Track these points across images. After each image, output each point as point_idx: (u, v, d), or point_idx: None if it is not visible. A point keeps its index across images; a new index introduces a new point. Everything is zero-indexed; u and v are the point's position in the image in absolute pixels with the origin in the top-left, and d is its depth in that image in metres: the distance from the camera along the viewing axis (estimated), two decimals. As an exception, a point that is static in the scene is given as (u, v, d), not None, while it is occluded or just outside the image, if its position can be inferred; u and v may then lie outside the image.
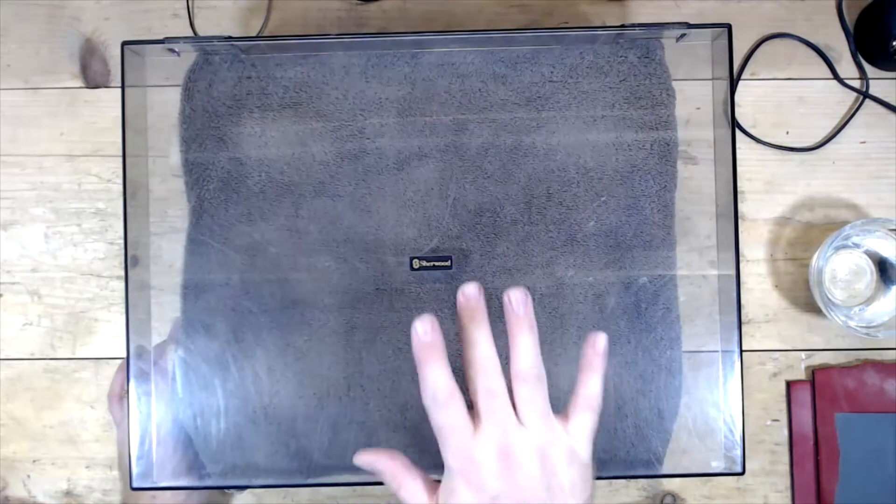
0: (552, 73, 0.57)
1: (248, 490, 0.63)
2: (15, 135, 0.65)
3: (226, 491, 0.63)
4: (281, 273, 0.57)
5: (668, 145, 0.57)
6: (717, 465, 0.56)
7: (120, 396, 0.60)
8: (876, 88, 0.63)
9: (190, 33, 0.64)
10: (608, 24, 0.64)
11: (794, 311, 0.63)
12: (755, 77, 0.64)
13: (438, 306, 0.56)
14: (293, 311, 0.57)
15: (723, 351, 0.56)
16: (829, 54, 0.64)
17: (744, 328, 0.61)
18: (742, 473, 0.55)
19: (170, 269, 0.58)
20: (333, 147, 0.57)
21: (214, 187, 0.57)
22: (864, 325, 0.61)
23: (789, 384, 0.63)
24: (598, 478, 0.57)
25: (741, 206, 0.63)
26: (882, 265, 0.62)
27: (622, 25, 0.55)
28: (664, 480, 0.63)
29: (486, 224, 0.57)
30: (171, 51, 0.57)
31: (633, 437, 0.56)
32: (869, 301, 0.62)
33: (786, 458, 0.63)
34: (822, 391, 0.62)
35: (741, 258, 0.62)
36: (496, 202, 0.57)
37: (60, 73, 0.65)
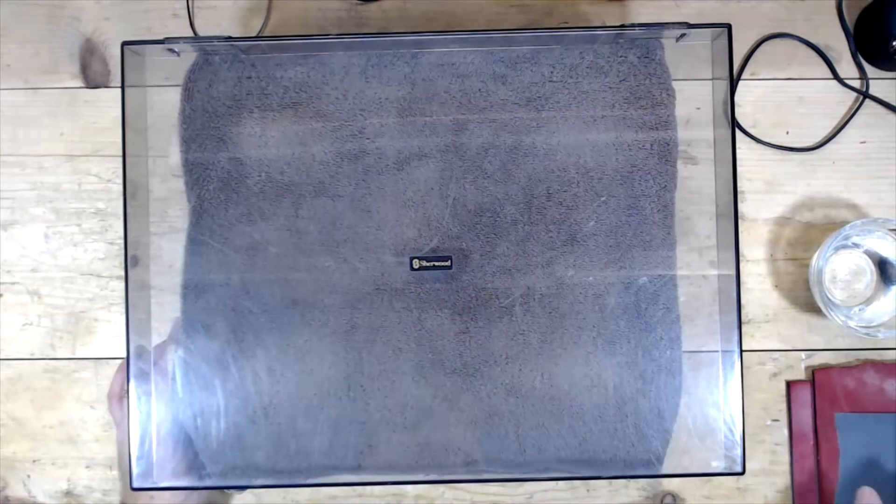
0: (552, 73, 0.57)
1: (248, 490, 0.63)
2: (15, 135, 0.65)
3: (226, 491, 0.63)
4: (281, 273, 0.57)
5: (668, 145, 0.57)
6: (717, 465, 0.56)
7: (120, 396, 0.60)
8: (876, 88, 0.63)
9: (190, 33, 0.64)
10: (608, 24, 0.64)
11: (794, 311, 0.63)
12: (755, 77, 0.64)
13: (438, 306, 0.56)
14: (293, 311, 0.57)
15: (723, 351, 0.56)
16: (829, 54, 0.64)
17: (744, 328, 0.61)
18: (742, 473, 0.55)
19: (170, 269, 0.58)
20: (333, 147, 0.57)
21: (214, 187, 0.57)
22: (863, 325, 0.61)
23: (789, 384, 0.63)
24: (598, 478, 0.57)
25: (741, 206, 0.63)
26: (882, 265, 0.62)
27: (622, 25, 0.55)
28: (664, 480, 0.63)
29: (486, 224, 0.57)
30: (171, 51, 0.57)
31: (633, 437, 0.56)
32: (869, 301, 0.62)
33: (786, 458, 0.63)
34: (822, 391, 0.62)
35: (741, 258, 0.62)
36: (496, 202, 0.57)
37: (60, 73, 0.65)
